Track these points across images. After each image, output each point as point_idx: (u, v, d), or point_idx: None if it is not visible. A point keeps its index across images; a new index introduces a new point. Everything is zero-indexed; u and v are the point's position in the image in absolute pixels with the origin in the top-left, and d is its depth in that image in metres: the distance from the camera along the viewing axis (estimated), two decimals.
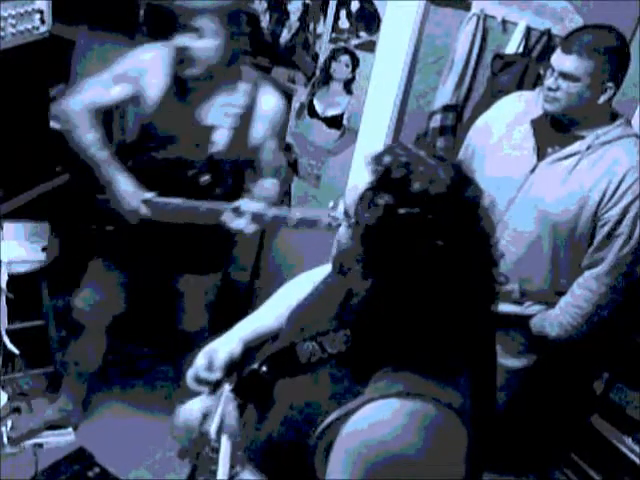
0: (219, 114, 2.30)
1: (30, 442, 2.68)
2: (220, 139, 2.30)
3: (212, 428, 1.23)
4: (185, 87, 2.29)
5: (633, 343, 2.48)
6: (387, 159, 1.09)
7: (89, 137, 2.29)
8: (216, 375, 1.43)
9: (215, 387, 1.43)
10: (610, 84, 1.98)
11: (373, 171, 1.10)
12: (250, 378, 1.29)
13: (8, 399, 2.73)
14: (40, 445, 2.69)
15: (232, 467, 1.22)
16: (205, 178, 2.30)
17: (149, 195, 2.27)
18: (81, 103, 2.30)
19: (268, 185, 2.42)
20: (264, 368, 1.27)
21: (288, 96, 3.03)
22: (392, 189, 1.06)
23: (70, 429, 2.76)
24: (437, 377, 1.10)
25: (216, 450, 1.24)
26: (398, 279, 1.06)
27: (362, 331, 1.16)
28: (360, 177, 1.11)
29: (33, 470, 2.58)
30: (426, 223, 1.04)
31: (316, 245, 3.17)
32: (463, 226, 1.07)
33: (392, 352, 1.10)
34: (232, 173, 2.39)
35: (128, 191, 2.26)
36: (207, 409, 1.29)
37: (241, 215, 2.10)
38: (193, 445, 1.30)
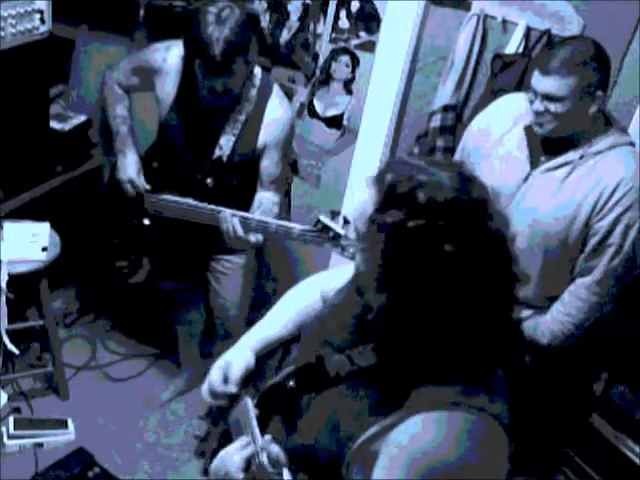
0: (227, 119, 2.34)
1: (30, 442, 2.68)
2: (226, 144, 2.36)
3: (266, 461, 1.20)
4: (197, 91, 2.30)
5: (633, 343, 2.48)
6: (389, 177, 1.08)
7: (115, 110, 2.53)
8: (232, 388, 1.43)
9: (232, 399, 1.42)
10: (599, 92, 1.92)
11: (377, 191, 1.08)
12: (275, 392, 1.29)
13: (8, 399, 2.74)
14: (40, 445, 2.69)
15: None
16: (209, 180, 2.40)
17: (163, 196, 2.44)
18: (112, 79, 2.54)
19: (264, 200, 2.43)
20: (291, 382, 1.26)
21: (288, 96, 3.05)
22: (399, 205, 1.05)
23: (70, 429, 2.76)
24: (474, 386, 1.09)
25: None
26: (416, 290, 1.05)
27: (386, 345, 1.14)
28: (364, 199, 1.10)
29: (33, 470, 2.58)
30: (437, 231, 1.03)
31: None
32: (475, 227, 1.06)
33: (424, 365, 1.09)
34: (235, 178, 2.44)
35: (131, 162, 2.49)
36: (247, 455, 1.25)
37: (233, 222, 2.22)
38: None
